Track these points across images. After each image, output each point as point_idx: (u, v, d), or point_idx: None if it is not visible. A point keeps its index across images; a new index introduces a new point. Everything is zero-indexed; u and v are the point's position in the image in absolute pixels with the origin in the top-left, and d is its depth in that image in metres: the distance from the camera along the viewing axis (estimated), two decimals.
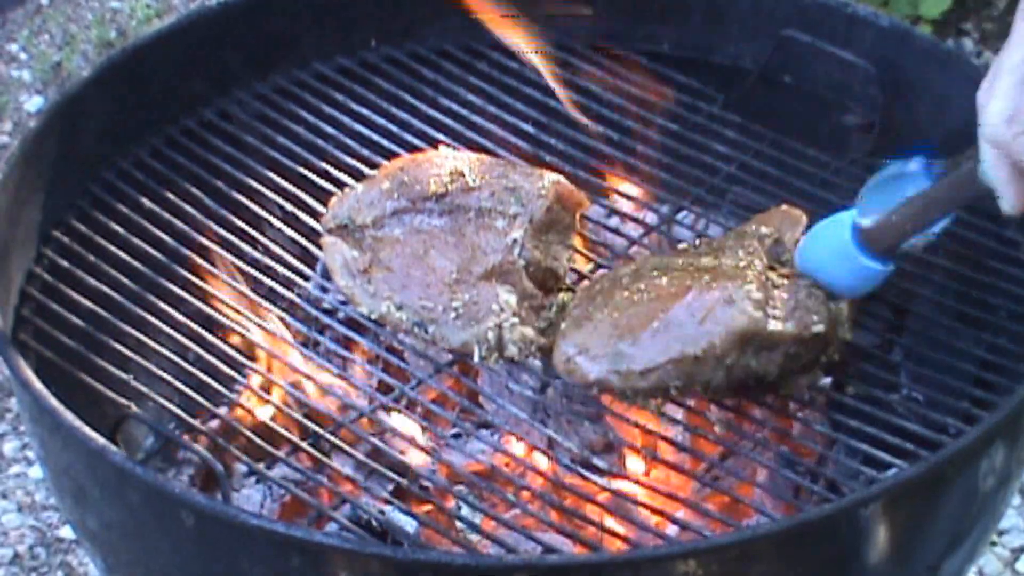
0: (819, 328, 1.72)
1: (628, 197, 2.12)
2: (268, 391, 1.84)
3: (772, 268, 1.80)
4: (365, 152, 2.08)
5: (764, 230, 1.85)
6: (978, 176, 1.54)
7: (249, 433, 1.76)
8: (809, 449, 1.79)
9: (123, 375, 1.77)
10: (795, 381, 1.76)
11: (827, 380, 1.81)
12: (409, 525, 1.72)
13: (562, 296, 1.85)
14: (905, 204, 1.67)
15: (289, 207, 2.00)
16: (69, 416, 1.62)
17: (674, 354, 1.69)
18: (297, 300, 1.92)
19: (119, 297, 1.85)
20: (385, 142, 2.10)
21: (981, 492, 1.66)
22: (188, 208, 1.98)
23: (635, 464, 1.87)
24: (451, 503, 1.79)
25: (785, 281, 1.76)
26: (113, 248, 1.91)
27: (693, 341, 1.69)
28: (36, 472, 2.82)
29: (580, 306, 1.79)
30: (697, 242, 1.92)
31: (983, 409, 1.71)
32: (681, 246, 1.94)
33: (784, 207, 1.92)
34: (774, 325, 1.70)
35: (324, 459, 1.76)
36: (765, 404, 1.77)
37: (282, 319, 1.90)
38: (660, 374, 1.69)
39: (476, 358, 1.78)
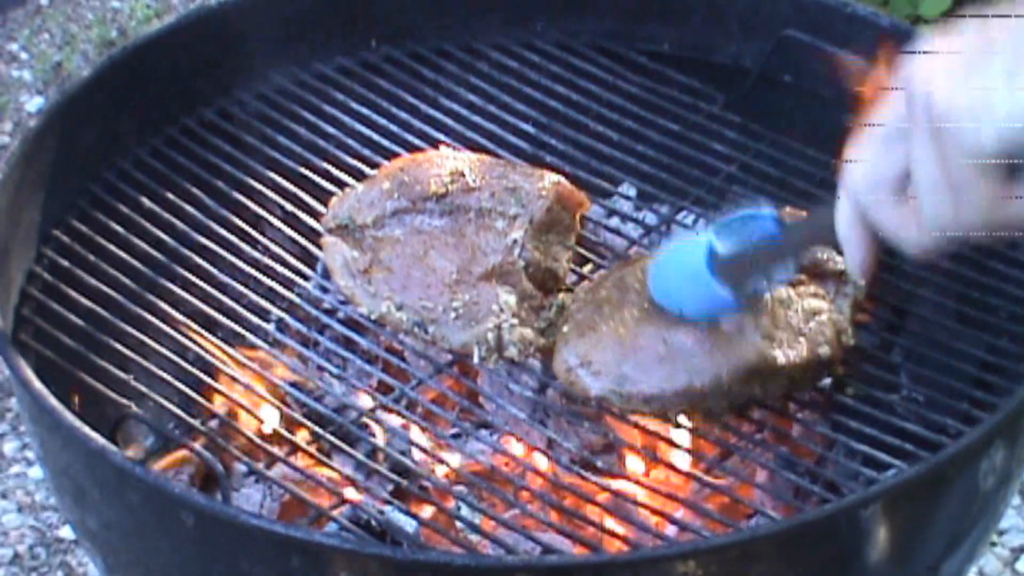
0: (826, 352, 1.72)
1: (628, 197, 2.12)
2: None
3: None
4: (366, 152, 2.08)
5: None
6: (833, 228, 1.47)
7: (249, 433, 1.76)
8: (809, 450, 1.79)
9: (123, 375, 1.77)
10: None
11: (827, 380, 1.81)
12: (409, 525, 1.72)
13: (562, 296, 1.85)
14: (760, 242, 1.63)
15: (289, 207, 2.00)
16: (68, 416, 1.62)
17: (679, 385, 1.68)
18: (297, 300, 1.92)
19: (119, 297, 1.85)
20: (385, 142, 2.10)
21: (981, 492, 1.66)
22: (188, 208, 1.98)
23: (635, 464, 1.87)
24: (451, 503, 1.78)
25: (791, 292, 1.76)
26: (113, 248, 1.91)
27: (700, 373, 1.68)
28: (36, 472, 2.82)
29: (583, 310, 1.79)
30: None
31: (983, 410, 1.71)
32: None
33: (788, 210, 1.91)
34: (783, 356, 1.69)
35: (324, 459, 1.76)
36: (765, 405, 1.76)
37: (282, 319, 1.90)
38: (663, 402, 1.69)
39: (476, 359, 1.78)
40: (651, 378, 1.69)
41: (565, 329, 1.78)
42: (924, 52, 1.30)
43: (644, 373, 1.70)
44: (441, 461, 1.78)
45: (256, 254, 1.94)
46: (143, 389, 1.76)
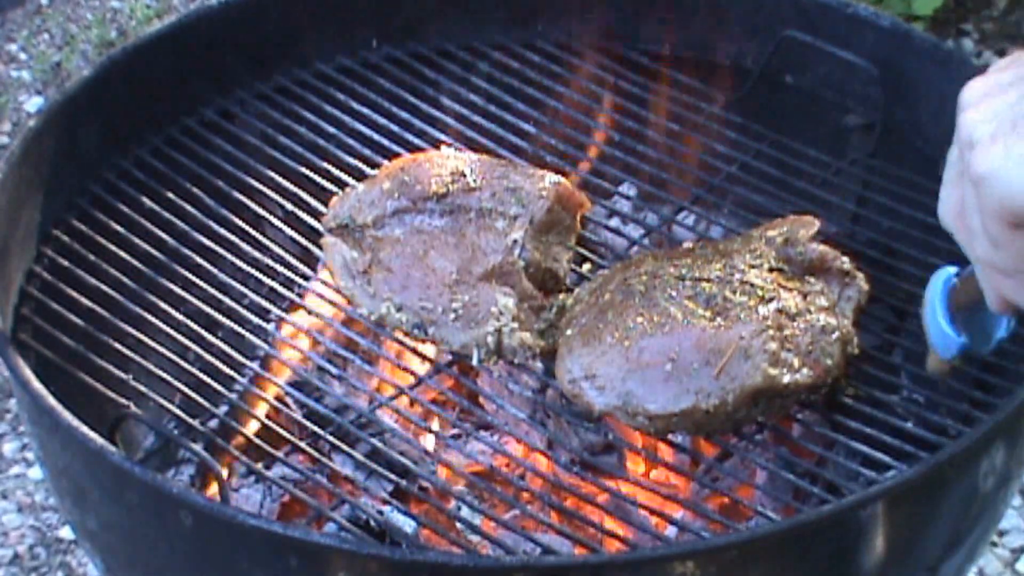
0: (834, 373, 1.71)
1: (628, 197, 2.12)
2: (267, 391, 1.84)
3: (780, 270, 1.79)
4: (366, 152, 2.08)
5: (771, 233, 1.85)
6: None
7: (248, 433, 1.76)
8: (808, 450, 1.79)
9: (123, 375, 1.77)
10: None
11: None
12: (408, 526, 1.72)
13: (562, 297, 1.85)
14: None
15: (290, 207, 2.00)
16: (68, 416, 1.61)
17: (686, 405, 1.67)
18: (297, 300, 1.92)
19: (119, 296, 1.85)
20: (386, 142, 2.10)
21: (981, 493, 1.65)
22: (188, 208, 1.98)
23: (635, 465, 1.87)
24: (450, 504, 1.78)
25: (799, 300, 1.75)
26: (113, 247, 1.91)
27: (706, 395, 1.67)
28: (36, 472, 2.82)
29: (587, 313, 1.78)
30: (701, 243, 1.92)
31: (983, 411, 1.70)
32: (686, 245, 1.94)
33: (792, 216, 1.91)
34: (790, 378, 1.68)
35: (324, 459, 1.76)
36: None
37: (282, 319, 1.90)
38: (668, 422, 1.68)
39: (475, 360, 1.78)
40: (657, 397, 1.68)
41: (568, 333, 1.77)
42: (974, 98, 1.31)
43: (650, 391, 1.68)
44: (441, 461, 1.78)
45: (257, 254, 1.94)
46: (143, 389, 1.76)
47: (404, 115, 2.14)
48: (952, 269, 1.66)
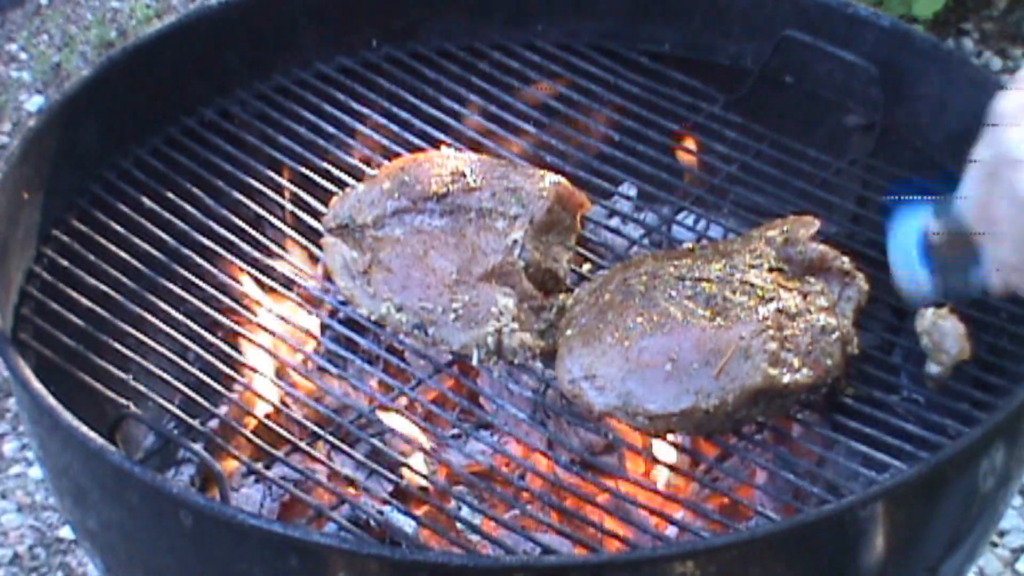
0: (834, 373, 1.71)
1: (628, 197, 2.12)
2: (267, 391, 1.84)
3: (780, 270, 1.79)
4: (366, 152, 2.08)
5: (771, 233, 1.85)
6: None
7: (248, 433, 1.76)
8: (808, 450, 1.79)
9: (123, 375, 1.77)
10: None
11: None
12: (408, 525, 1.72)
13: (562, 297, 1.85)
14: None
15: (290, 207, 2.00)
16: (68, 416, 1.61)
17: (686, 405, 1.67)
18: (297, 300, 1.92)
19: (119, 296, 1.85)
20: (386, 142, 2.10)
21: (981, 493, 1.65)
22: (188, 207, 1.98)
23: (634, 465, 1.87)
24: (450, 504, 1.78)
25: (799, 300, 1.75)
26: (113, 247, 1.91)
27: (706, 395, 1.67)
28: (36, 472, 2.82)
29: (587, 314, 1.78)
30: (701, 243, 1.92)
31: (983, 410, 1.70)
32: (685, 246, 1.94)
33: (792, 216, 1.91)
34: (789, 378, 1.68)
35: (324, 459, 1.75)
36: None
37: (282, 319, 1.90)
38: (668, 422, 1.68)
39: (475, 360, 1.78)
40: (657, 397, 1.68)
41: (568, 333, 1.77)
42: (1014, 113, 1.33)
43: (650, 391, 1.68)
44: (441, 461, 1.78)
45: (257, 254, 1.94)
46: (143, 389, 1.76)
47: (404, 115, 2.14)
48: (924, 214, 1.62)
